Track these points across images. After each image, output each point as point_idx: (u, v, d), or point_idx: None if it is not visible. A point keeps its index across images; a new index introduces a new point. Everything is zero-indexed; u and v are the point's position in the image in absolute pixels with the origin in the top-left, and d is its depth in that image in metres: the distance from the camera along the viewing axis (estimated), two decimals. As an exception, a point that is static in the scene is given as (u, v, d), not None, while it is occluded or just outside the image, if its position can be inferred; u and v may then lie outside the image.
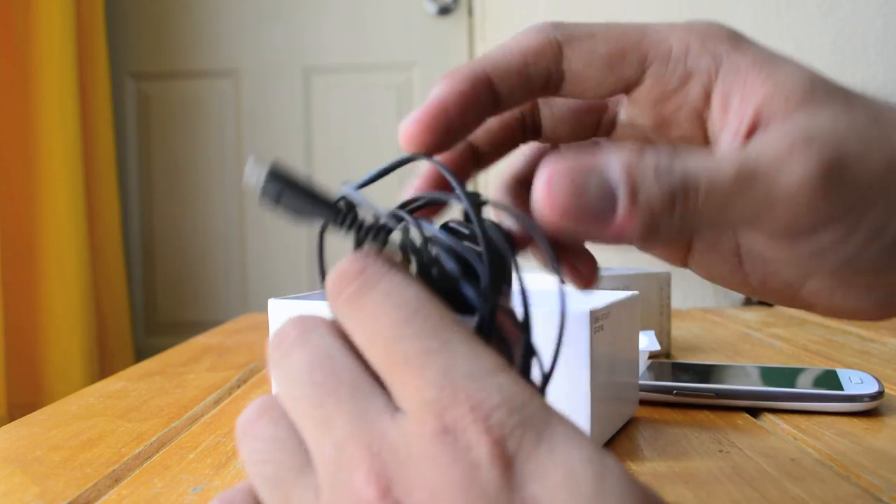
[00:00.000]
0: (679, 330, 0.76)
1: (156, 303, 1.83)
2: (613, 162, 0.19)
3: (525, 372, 0.19)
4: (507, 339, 0.20)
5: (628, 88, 0.23)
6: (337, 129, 1.80)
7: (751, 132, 0.21)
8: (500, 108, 0.23)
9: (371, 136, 1.79)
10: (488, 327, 0.19)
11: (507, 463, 0.16)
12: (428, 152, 0.23)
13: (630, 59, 0.23)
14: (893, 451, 0.37)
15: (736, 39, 0.22)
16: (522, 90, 0.23)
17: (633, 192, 0.18)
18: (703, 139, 0.24)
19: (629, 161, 0.19)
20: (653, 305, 0.62)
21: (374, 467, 0.17)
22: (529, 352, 0.19)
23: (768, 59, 0.21)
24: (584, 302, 0.37)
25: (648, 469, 0.35)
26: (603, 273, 0.37)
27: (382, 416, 0.17)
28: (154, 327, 1.83)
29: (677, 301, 1.53)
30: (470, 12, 1.77)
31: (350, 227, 0.21)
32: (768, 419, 0.43)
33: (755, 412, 0.44)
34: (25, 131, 1.46)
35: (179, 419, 0.45)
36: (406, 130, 0.23)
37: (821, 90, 0.21)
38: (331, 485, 0.17)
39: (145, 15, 1.81)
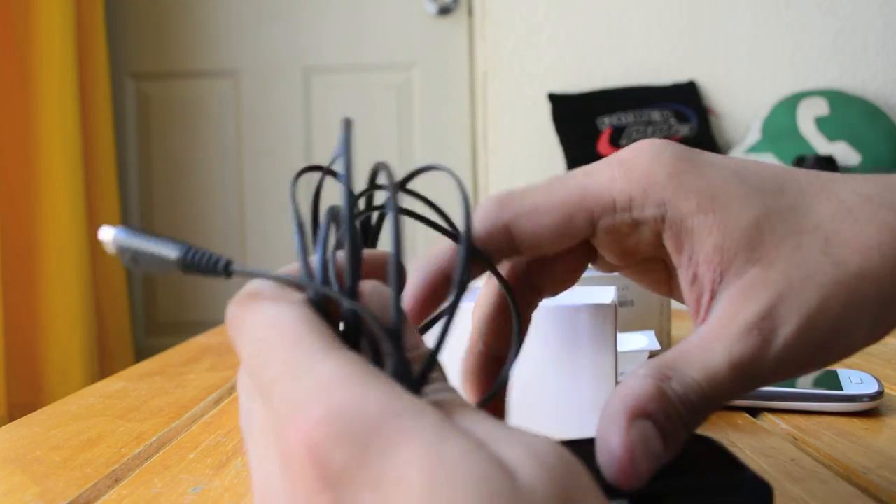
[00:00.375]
0: (679, 330, 0.76)
1: (156, 303, 1.83)
2: (654, 408, 0.20)
3: (401, 375, 0.19)
4: (379, 346, 0.20)
5: (585, 240, 0.24)
6: (337, 129, 1.80)
7: (712, 289, 0.22)
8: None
9: (371, 136, 1.79)
10: (352, 334, 0.20)
11: (335, 482, 0.16)
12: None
13: (577, 220, 0.23)
14: (893, 451, 0.37)
15: (677, 174, 0.22)
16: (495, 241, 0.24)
17: (676, 431, 0.21)
18: (664, 268, 0.26)
19: (662, 404, 0.20)
20: (653, 305, 0.62)
21: None
22: (400, 356, 0.19)
23: (711, 200, 0.22)
24: (597, 295, 0.37)
25: (648, 469, 0.35)
26: (602, 273, 0.37)
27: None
28: (154, 327, 1.83)
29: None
30: (470, 12, 1.77)
31: (202, 271, 0.21)
32: (768, 419, 0.43)
33: (755, 412, 0.44)
34: (25, 131, 1.46)
35: (179, 419, 0.45)
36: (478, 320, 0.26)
37: (767, 231, 0.22)
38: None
39: (145, 15, 1.81)
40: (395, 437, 0.15)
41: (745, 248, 0.22)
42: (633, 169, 0.23)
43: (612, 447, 0.20)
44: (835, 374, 0.47)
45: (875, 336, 0.22)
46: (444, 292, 0.25)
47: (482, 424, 0.17)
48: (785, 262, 0.21)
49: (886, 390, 0.48)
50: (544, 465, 0.15)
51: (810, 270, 0.21)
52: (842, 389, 0.43)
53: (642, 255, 0.25)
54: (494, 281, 0.26)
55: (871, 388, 0.43)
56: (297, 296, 0.20)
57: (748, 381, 0.21)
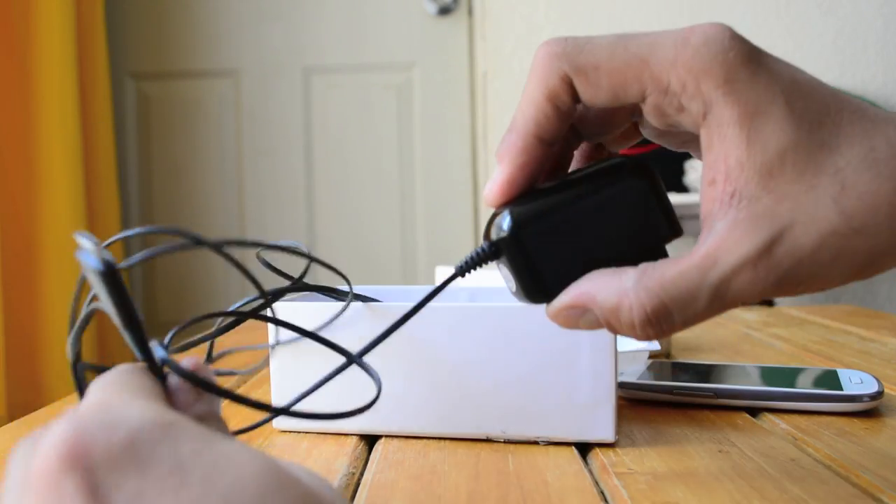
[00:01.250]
0: (679, 330, 0.76)
1: (156, 303, 1.83)
2: (594, 308, 0.25)
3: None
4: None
5: (634, 107, 0.26)
6: (337, 129, 1.80)
7: (723, 200, 0.24)
8: (551, 149, 0.27)
9: (371, 136, 1.79)
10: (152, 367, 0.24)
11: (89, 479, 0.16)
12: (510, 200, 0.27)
13: (631, 90, 0.25)
14: (893, 451, 0.37)
15: (733, 79, 0.23)
16: (561, 128, 0.26)
17: (618, 318, 0.25)
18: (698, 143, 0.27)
19: (605, 313, 0.25)
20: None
21: None
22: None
23: (750, 117, 0.23)
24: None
25: (648, 469, 0.35)
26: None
27: None
28: (154, 327, 1.83)
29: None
30: (470, 12, 1.77)
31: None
32: (768, 419, 0.43)
33: (755, 412, 0.44)
34: (25, 131, 1.45)
35: (179, 419, 0.45)
36: (489, 194, 0.27)
37: (789, 162, 0.23)
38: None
39: (145, 15, 1.81)
40: (168, 437, 0.17)
41: (764, 173, 0.23)
42: (696, 57, 0.24)
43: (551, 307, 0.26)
44: (835, 373, 0.47)
45: (847, 280, 0.24)
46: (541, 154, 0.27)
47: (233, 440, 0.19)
48: (794, 201, 0.23)
49: (886, 390, 0.48)
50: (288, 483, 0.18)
51: (816, 215, 0.23)
52: (842, 389, 0.43)
53: (679, 132, 0.27)
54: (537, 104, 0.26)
55: (871, 388, 0.43)
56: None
57: (722, 306, 0.24)
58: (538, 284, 0.26)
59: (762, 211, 0.23)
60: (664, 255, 0.26)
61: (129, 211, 1.82)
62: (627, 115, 0.28)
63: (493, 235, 0.26)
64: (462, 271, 0.27)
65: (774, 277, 0.23)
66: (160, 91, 1.82)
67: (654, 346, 0.50)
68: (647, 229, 0.26)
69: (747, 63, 0.23)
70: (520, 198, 0.26)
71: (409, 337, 0.38)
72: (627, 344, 0.50)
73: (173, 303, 1.82)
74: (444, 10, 1.76)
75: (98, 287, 0.23)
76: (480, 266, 0.27)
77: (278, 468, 0.17)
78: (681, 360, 0.60)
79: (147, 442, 0.17)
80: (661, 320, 0.24)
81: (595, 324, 0.26)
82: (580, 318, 0.26)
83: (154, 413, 0.18)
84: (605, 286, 0.25)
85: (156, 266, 1.83)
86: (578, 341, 0.37)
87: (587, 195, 0.26)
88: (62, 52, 1.48)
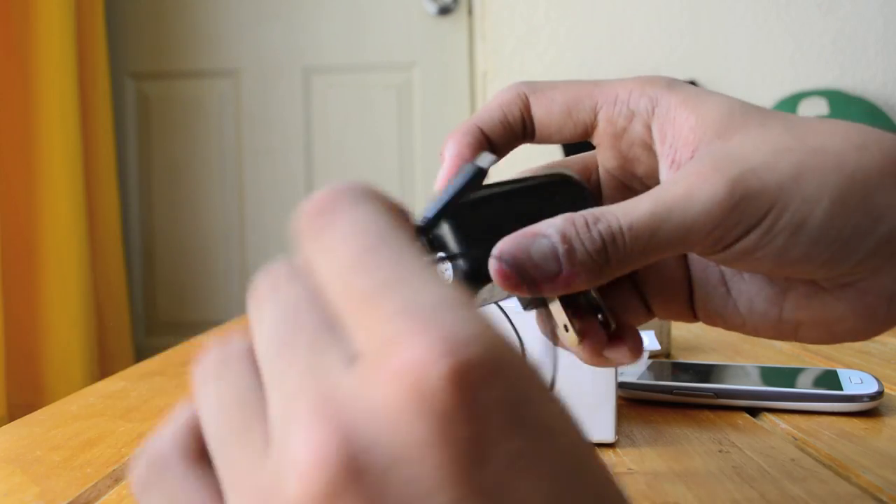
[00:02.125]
0: (679, 330, 0.76)
1: (156, 303, 1.83)
2: (548, 229, 0.23)
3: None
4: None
5: (587, 131, 0.27)
6: (337, 129, 1.80)
7: (680, 164, 0.25)
8: (496, 153, 0.27)
9: (371, 136, 1.79)
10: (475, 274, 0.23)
11: (482, 416, 0.13)
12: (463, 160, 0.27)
13: (583, 104, 0.27)
14: (893, 451, 0.37)
15: (671, 84, 0.26)
16: (507, 137, 0.27)
17: (570, 250, 0.22)
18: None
19: (562, 226, 0.23)
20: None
21: (322, 424, 0.13)
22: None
23: (694, 97, 0.25)
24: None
25: (648, 469, 0.35)
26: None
27: (336, 366, 0.15)
28: (154, 327, 1.83)
29: (677, 301, 1.52)
30: (470, 12, 1.77)
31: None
32: (768, 419, 0.43)
33: (755, 412, 0.44)
34: (25, 131, 1.46)
35: (179, 419, 0.45)
36: (442, 182, 0.26)
37: (738, 116, 0.24)
38: (277, 445, 0.14)
39: (145, 15, 1.81)
40: (527, 396, 0.14)
41: (716, 128, 0.24)
42: (639, 77, 0.27)
43: (494, 252, 0.23)
44: (835, 373, 0.47)
45: (836, 219, 0.22)
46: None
47: None
48: (744, 136, 0.24)
49: (886, 390, 0.48)
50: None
51: (768, 140, 0.23)
52: (842, 389, 0.43)
53: (636, 158, 0.27)
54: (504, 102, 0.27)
55: (871, 388, 0.43)
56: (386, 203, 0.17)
57: (671, 221, 0.22)
58: (472, 272, 0.24)
59: (722, 152, 0.23)
60: None
61: (128, 211, 1.82)
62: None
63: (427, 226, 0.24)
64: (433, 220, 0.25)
65: (744, 204, 0.22)
66: (160, 91, 1.82)
67: (654, 346, 0.50)
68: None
69: (678, 82, 0.26)
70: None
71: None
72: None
73: (173, 303, 1.82)
74: (444, 10, 1.76)
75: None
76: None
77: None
78: (681, 360, 0.60)
79: (514, 389, 0.13)
80: (617, 248, 0.23)
81: (545, 257, 0.22)
82: (529, 248, 0.22)
83: (497, 341, 0.14)
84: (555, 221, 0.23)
85: (156, 266, 1.83)
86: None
87: (523, 191, 0.26)
88: (62, 52, 1.48)
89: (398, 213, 0.17)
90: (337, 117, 1.80)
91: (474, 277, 0.24)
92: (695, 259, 0.28)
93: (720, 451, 0.37)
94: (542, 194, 0.26)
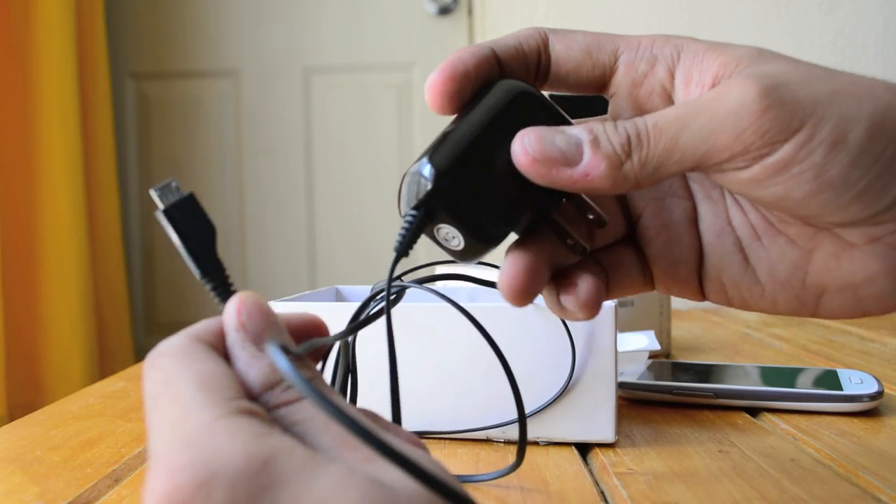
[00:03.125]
0: (679, 330, 0.76)
1: (156, 303, 1.83)
2: (575, 125, 0.23)
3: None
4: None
5: (604, 76, 0.26)
6: (337, 129, 1.80)
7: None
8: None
9: (371, 136, 1.79)
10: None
11: None
12: (451, 101, 0.26)
13: (604, 48, 0.26)
14: (893, 451, 0.37)
15: (694, 38, 0.26)
16: (520, 65, 0.26)
17: (595, 140, 0.23)
18: None
19: (591, 124, 0.23)
20: (653, 305, 0.62)
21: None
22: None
23: (721, 43, 0.25)
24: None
25: (648, 469, 0.35)
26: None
27: None
28: (154, 327, 1.83)
29: (677, 301, 1.53)
30: (470, 12, 1.77)
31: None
32: (768, 419, 0.43)
33: (755, 412, 0.44)
34: (25, 131, 1.45)
35: (179, 419, 0.45)
36: (432, 82, 0.25)
37: (767, 54, 0.24)
38: None
39: (145, 15, 1.81)
40: (266, 483, 0.16)
41: (745, 61, 0.24)
42: (661, 34, 0.26)
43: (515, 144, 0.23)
44: (835, 374, 0.47)
45: (874, 142, 0.22)
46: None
47: (354, 445, 0.18)
48: (777, 63, 0.23)
49: (886, 390, 0.48)
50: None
51: (801, 68, 0.23)
52: (842, 389, 0.43)
53: (652, 107, 0.26)
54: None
55: (871, 388, 0.44)
56: (203, 350, 0.21)
57: (698, 120, 0.22)
58: (488, 223, 0.24)
59: (752, 69, 0.23)
60: None
61: (128, 211, 1.82)
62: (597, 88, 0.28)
63: (419, 194, 0.24)
64: (403, 250, 0.25)
65: (777, 110, 0.22)
66: (160, 91, 1.82)
67: (654, 346, 0.50)
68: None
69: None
70: (429, 150, 0.25)
71: (408, 337, 0.38)
72: (627, 344, 0.50)
73: (173, 303, 1.82)
74: (444, 10, 1.76)
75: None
76: (418, 236, 0.25)
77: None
78: (681, 360, 0.60)
79: (246, 497, 0.16)
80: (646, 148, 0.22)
81: (569, 144, 0.23)
82: (554, 137, 0.23)
83: (249, 448, 0.17)
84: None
85: (156, 266, 1.83)
86: (578, 342, 0.37)
87: (486, 118, 0.25)
88: (62, 52, 1.48)
89: (199, 350, 0.21)
90: (337, 117, 1.80)
91: (484, 242, 0.25)
92: (708, 225, 0.27)
93: (720, 451, 0.37)
94: (511, 124, 0.25)
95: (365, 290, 0.49)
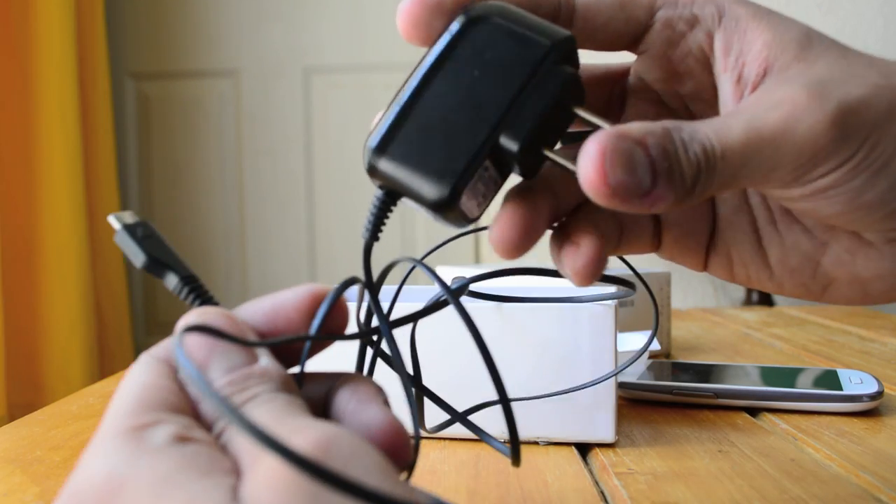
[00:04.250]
0: (679, 330, 0.76)
1: (156, 303, 1.83)
2: (649, 138, 0.20)
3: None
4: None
5: (637, 33, 0.24)
6: (337, 129, 1.80)
7: (756, 83, 0.22)
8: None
9: (371, 136, 1.79)
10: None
11: None
12: (421, 31, 0.23)
13: (640, 1, 0.24)
14: (893, 451, 0.37)
15: None
16: (530, 9, 0.23)
17: (671, 168, 0.19)
18: (712, 90, 0.24)
19: (661, 138, 0.20)
20: (653, 306, 0.62)
21: None
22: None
23: (766, 12, 0.23)
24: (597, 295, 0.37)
25: (648, 469, 0.35)
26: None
27: None
28: (154, 327, 1.83)
29: (677, 301, 1.53)
30: (470, 12, 1.77)
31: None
32: (768, 419, 0.43)
33: (755, 412, 0.44)
34: (25, 131, 1.45)
35: (179, 419, 0.45)
36: (402, 8, 0.23)
37: (816, 41, 0.22)
38: None
39: (145, 15, 1.81)
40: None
41: (794, 47, 0.22)
42: None
43: (587, 150, 0.19)
44: (835, 373, 0.47)
45: None
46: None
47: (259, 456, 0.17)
48: (829, 64, 0.21)
49: (886, 390, 0.48)
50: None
51: (855, 73, 0.21)
52: (842, 389, 0.43)
53: (687, 72, 0.24)
54: None
55: (871, 388, 0.44)
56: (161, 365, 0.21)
57: (763, 153, 0.20)
58: (434, 184, 0.22)
59: (795, 73, 0.21)
60: (571, 77, 0.22)
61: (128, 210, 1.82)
62: (611, 87, 0.26)
63: (368, 173, 0.22)
64: (372, 235, 0.24)
65: (843, 140, 0.20)
66: (160, 91, 1.82)
67: (654, 345, 0.50)
68: (521, 55, 0.21)
69: None
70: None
71: (408, 337, 0.38)
72: (627, 344, 0.50)
73: (173, 303, 1.82)
74: (444, 10, 1.76)
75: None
76: (387, 216, 0.24)
77: None
78: (681, 360, 0.60)
79: None
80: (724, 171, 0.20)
81: (643, 170, 0.19)
82: (631, 156, 0.19)
83: (110, 470, 0.17)
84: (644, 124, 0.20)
85: (156, 266, 1.82)
86: (578, 341, 0.37)
87: (427, 66, 0.22)
88: (62, 52, 1.48)
89: (153, 368, 0.20)
90: (337, 117, 1.80)
91: (442, 209, 0.22)
92: (725, 199, 0.26)
93: (720, 451, 0.37)
94: (460, 65, 0.22)
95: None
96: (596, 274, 0.24)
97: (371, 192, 0.24)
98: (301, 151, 1.80)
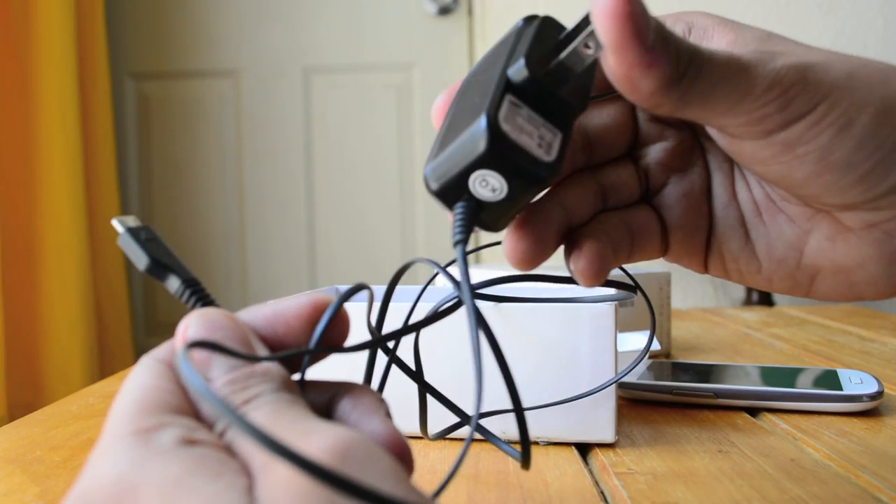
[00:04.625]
0: (679, 330, 0.76)
1: (156, 303, 1.83)
2: (654, 22, 0.21)
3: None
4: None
5: None
6: (337, 129, 1.80)
7: None
8: None
9: (371, 136, 1.79)
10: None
11: None
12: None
13: None
14: (893, 451, 0.37)
15: (705, 13, 0.26)
16: None
17: (667, 40, 0.21)
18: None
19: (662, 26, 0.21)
20: (653, 305, 0.62)
21: None
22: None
23: (729, 20, 0.26)
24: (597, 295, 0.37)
25: (648, 469, 0.35)
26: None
27: None
28: (154, 327, 1.83)
29: (677, 301, 1.53)
30: (470, 12, 1.77)
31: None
32: (768, 419, 0.43)
33: (755, 412, 0.44)
34: (25, 131, 1.45)
35: (179, 419, 0.45)
36: (437, 106, 0.26)
37: (776, 37, 0.24)
38: None
39: (145, 15, 1.81)
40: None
41: (755, 42, 0.24)
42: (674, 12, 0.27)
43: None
44: (835, 373, 0.47)
45: (880, 129, 0.22)
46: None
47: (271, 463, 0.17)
48: (790, 45, 0.24)
49: (886, 390, 0.48)
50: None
51: (815, 51, 0.23)
52: (842, 389, 0.43)
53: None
54: None
55: (871, 388, 0.44)
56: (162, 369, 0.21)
57: (738, 77, 0.22)
58: (475, 122, 0.22)
59: (777, 48, 0.23)
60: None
61: (128, 211, 1.82)
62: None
63: (478, 150, 0.22)
64: (466, 238, 0.23)
65: (801, 87, 0.22)
66: (160, 91, 1.82)
67: (654, 345, 0.50)
68: (508, 38, 0.25)
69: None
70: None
71: (408, 337, 0.38)
72: (627, 344, 0.50)
73: (173, 303, 1.82)
74: (444, 10, 1.76)
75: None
76: (474, 219, 0.23)
77: None
78: (681, 360, 0.60)
79: None
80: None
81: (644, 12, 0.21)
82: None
83: (120, 472, 0.17)
84: None
85: (156, 266, 1.82)
86: (579, 342, 0.37)
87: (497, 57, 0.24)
88: (62, 52, 1.48)
89: (153, 369, 0.20)
90: (337, 117, 1.80)
91: (548, 169, 0.23)
92: (717, 196, 0.27)
93: (720, 451, 0.37)
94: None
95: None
96: (601, 274, 0.25)
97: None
98: (301, 151, 1.80)
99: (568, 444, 0.38)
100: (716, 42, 0.25)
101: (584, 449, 0.38)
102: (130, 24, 1.81)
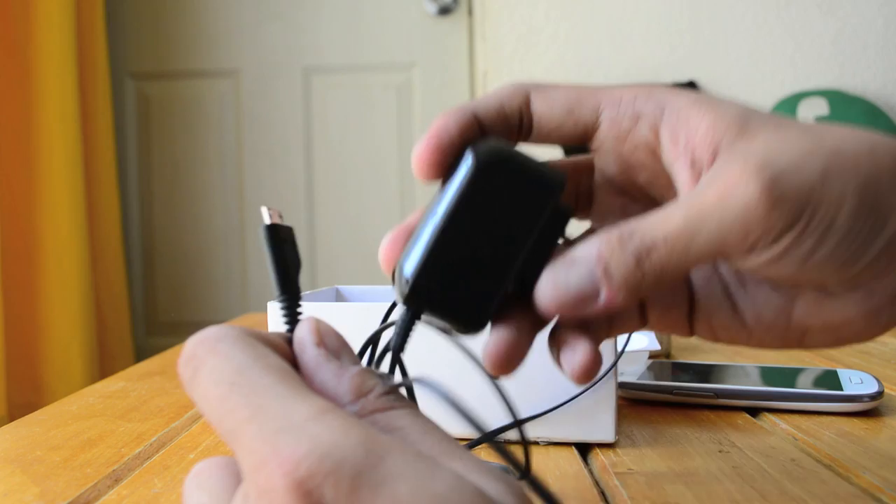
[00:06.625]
0: (679, 330, 0.76)
1: (156, 303, 1.83)
2: (586, 252, 0.23)
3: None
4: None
5: (587, 132, 0.27)
6: (337, 129, 1.80)
7: (709, 163, 0.24)
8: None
9: (371, 136, 1.79)
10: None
11: None
12: (437, 170, 0.26)
13: (586, 105, 0.26)
14: (893, 451, 0.37)
15: (674, 90, 0.26)
16: (502, 126, 0.26)
17: (607, 272, 0.23)
18: (665, 177, 0.26)
19: (599, 248, 0.23)
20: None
21: None
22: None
23: (703, 100, 0.25)
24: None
25: (648, 469, 0.35)
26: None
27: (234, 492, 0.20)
28: (154, 327, 1.83)
29: (677, 301, 1.52)
30: (470, 12, 1.77)
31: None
32: (768, 419, 0.43)
33: (755, 412, 0.44)
34: (25, 131, 1.46)
35: (179, 419, 0.45)
36: (418, 154, 0.25)
37: (754, 117, 0.24)
38: None
39: (145, 15, 1.81)
40: (391, 471, 0.16)
41: (734, 126, 0.24)
42: (642, 84, 0.26)
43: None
44: (835, 373, 0.47)
45: (857, 220, 0.22)
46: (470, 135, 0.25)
47: (453, 454, 0.18)
48: (766, 138, 0.23)
49: (886, 390, 0.48)
50: (519, 497, 0.17)
51: (789, 141, 0.23)
52: (842, 389, 0.43)
53: (639, 163, 0.26)
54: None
55: (871, 388, 0.43)
56: (256, 341, 0.21)
57: (706, 228, 0.22)
58: (470, 315, 0.25)
59: (749, 153, 0.23)
60: (567, 211, 0.25)
61: (129, 211, 1.82)
62: (577, 186, 0.28)
63: (399, 295, 0.25)
64: (402, 346, 0.26)
65: (780, 208, 0.22)
66: (160, 91, 1.82)
67: (654, 345, 0.50)
68: (530, 201, 0.25)
69: (681, 89, 0.26)
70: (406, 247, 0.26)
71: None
72: (627, 344, 0.50)
73: (173, 303, 1.82)
74: (444, 10, 1.76)
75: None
76: (411, 331, 0.26)
77: None
78: (681, 360, 0.60)
79: (370, 484, 0.16)
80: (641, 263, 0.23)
81: (583, 284, 0.23)
82: (568, 280, 0.23)
83: (366, 442, 0.17)
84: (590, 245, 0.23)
85: (156, 266, 1.83)
86: (578, 341, 0.37)
87: (455, 203, 0.24)
88: (62, 52, 1.48)
89: (260, 345, 0.20)
90: (337, 117, 1.80)
91: (472, 328, 0.25)
92: (698, 271, 0.27)
93: (720, 451, 0.37)
94: (480, 203, 0.24)
95: (366, 290, 0.49)
96: (593, 373, 0.26)
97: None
98: (301, 151, 1.80)
99: (568, 444, 0.38)
100: (693, 125, 0.24)
101: (584, 449, 0.38)
102: (130, 24, 1.81)
